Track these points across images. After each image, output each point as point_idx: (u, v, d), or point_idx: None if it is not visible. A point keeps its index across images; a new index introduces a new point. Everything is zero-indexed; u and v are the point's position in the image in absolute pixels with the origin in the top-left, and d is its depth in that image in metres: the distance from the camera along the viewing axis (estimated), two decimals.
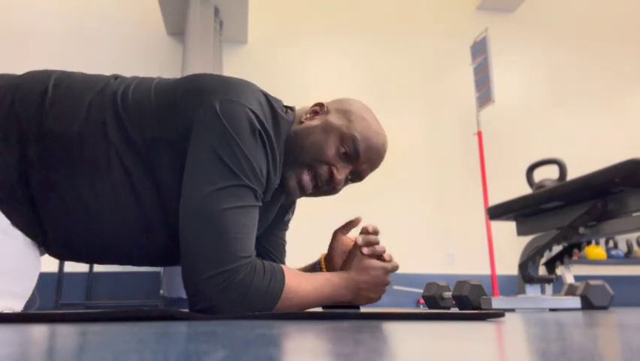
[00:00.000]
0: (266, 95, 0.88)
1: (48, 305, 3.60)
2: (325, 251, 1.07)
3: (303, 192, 0.93)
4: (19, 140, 0.79)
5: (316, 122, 0.94)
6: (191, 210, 0.76)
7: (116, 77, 0.90)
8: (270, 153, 0.82)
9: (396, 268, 0.93)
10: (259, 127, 0.80)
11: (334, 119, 0.93)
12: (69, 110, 0.82)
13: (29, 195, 0.79)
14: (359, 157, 0.92)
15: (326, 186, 0.93)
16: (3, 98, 0.82)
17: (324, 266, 1.06)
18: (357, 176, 0.97)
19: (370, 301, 0.91)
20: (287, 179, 0.91)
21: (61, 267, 3.42)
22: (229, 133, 0.77)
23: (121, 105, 0.83)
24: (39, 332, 0.49)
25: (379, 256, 0.93)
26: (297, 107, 1.00)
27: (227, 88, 0.82)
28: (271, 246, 1.09)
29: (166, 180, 0.81)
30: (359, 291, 0.89)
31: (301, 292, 0.82)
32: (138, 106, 0.82)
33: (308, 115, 0.96)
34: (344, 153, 0.91)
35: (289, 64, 4.68)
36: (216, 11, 4.04)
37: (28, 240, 0.82)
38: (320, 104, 0.98)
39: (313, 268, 1.07)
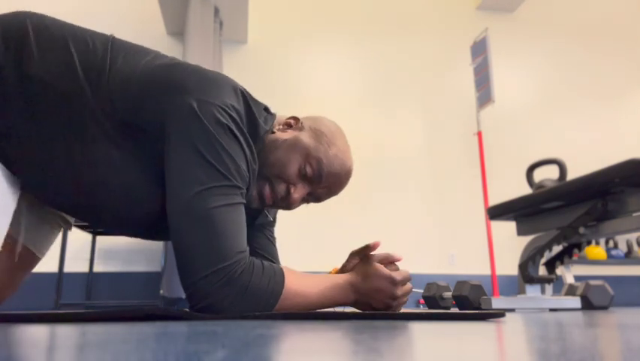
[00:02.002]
0: (244, 94, 0.86)
1: (48, 305, 3.59)
2: (335, 265, 1.07)
3: (263, 204, 0.95)
4: None
5: (286, 135, 0.94)
6: (180, 211, 0.76)
7: (113, 39, 0.86)
8: (249, 151, 0.82)
9: (407, 278, 0.91)
10: (234, 126, 0.79)
11: (305, 137, 0.93)
12: (59, 63, 0.78)
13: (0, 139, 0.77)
14: (320, 181, 0.93)
15: (281, 203, 0.95)
16: None
17: None
18: (314, 198, 0.98)
19: (373, 311, 0.89)
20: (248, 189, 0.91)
21: (61, 267, 3.42)
22: (210, 132, 0.77)
23: (109, 77, 0.80)
24: (39, 332, 0.49)
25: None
26: (278, 115, 0.99)
27: (205, 86, 0.81)
28: (260, 247, 1.09)
29: (135, 170, 0.81)
30: (360, 296, 0.88)
31: (302, 292, 0.82)
32: (123, 83, 0.80)
33: (281, 126, 0.96)
34: (304, 175, 0.92)
35: (289, 64, 4.68)
36: (216, 11, 4.04)
37: (6, 171, 0.80)
38: (295, 118, 0.97)
39: None
